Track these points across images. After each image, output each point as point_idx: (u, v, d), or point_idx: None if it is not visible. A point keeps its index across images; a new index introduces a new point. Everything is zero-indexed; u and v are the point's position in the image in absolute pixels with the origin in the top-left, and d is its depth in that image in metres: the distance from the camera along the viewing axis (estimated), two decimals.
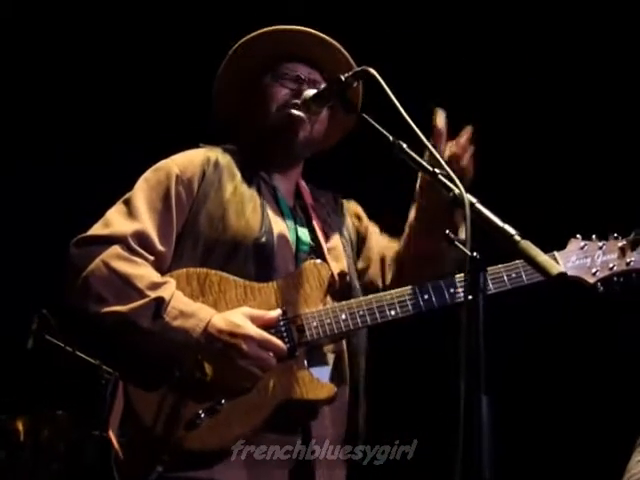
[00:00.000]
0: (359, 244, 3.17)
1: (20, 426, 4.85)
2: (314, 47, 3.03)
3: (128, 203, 2.81)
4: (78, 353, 4.90)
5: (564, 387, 5.15)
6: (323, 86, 2.90)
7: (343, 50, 3.06)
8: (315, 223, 3.01)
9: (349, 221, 3.19)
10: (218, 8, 5.37)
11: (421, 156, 2.41)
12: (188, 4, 5.46)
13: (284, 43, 3.02)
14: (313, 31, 3.04)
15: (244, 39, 3.05)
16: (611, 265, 2.85)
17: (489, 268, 2.77)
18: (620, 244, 2.88)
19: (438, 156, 2.25)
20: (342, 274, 2.93)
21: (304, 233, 2.95)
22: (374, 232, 3.21)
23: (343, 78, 2.62)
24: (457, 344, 2.03)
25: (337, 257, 2.97)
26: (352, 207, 3.25)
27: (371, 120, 2.53)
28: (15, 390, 5.13)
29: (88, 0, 5.46)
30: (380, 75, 2.44)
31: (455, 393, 1.99)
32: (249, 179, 2.93)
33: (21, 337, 4.85)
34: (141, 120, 5.54)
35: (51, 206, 5.50)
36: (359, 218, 3.23)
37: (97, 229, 2.77)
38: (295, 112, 2.92)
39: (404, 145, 2.42)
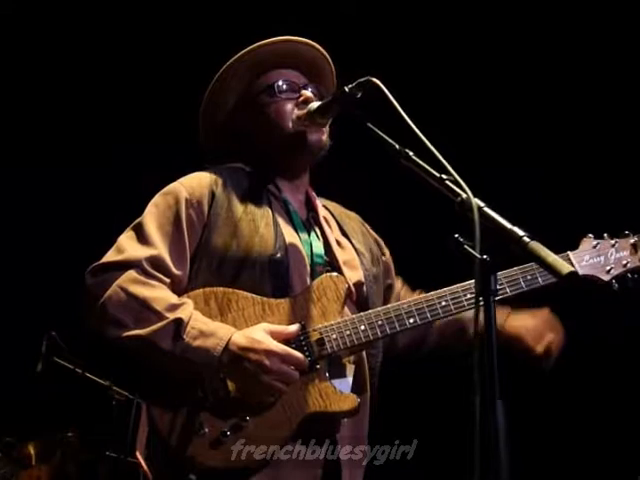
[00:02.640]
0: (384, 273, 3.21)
1: (31, 450, 4.85)
2: (286, 52, 3.05)
3: (139, 229, 2.81)
4: (88, 375, 4.91)
5: (579, 390, 5.13)
6: (327, 99, 2.91)
7: (314, 44, 3.09)
8: (329, 234, 3.02)
9: (371, 243, 3.22)
10: (218, 14, 5.39)
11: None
12: (188, 8, 5.49)
13: (256, 60, 3.03)
14: (284, 37, 3.05)
15: (222, 69, 3.05)
16: (624, 262, 2.89)
17: (505, 271, 2.80)
18: (632, 241, 2.92)
19: (444, 161, 2.26)
20: (358, 284, 2.94)
21: (318, 246, 2.96)
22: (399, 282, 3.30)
23: (347, 89, 2.62)
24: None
25: (353, 268, 2.98)
26: (375, 237, 3.29)
27: (376, 129, 2.54)
28: (25, 414, 5.14)
29: (89, 2, 5.49)
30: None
31: (470, 398, 2.00)
32: (259, 195, 2.95)
33: (30, 360, 4.85)
34: (141, 121, 5.56)
35: (61, 228, 5.48)
36: (383, 252, 3.27)
37: (111, 256, 2.78)
38: (319, 123, 2.94)
39: (410, 153, 2.44)
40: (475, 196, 2.19)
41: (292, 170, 3.06)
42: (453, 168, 2.22)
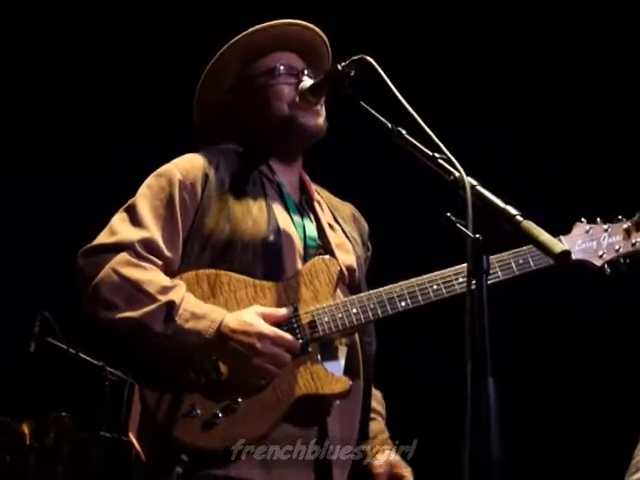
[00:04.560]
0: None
1: (25, 429, 4.85)
2: (284, 34, 3.03)
3: (132, 210, 2.81)
4: (81, 355, 4.94)
5: (570, 369, 5.16)
6: (319, 77, 2.91)
7: (312, 26, 3.08)
8: (322, 217, 3.02)
9: (363, 232, 3.22)
10: (217, 14, 5.39)
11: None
12: (188, 8, 5.50)
13: (254, 44, 3.01)
14: (277, 21, 3.04)
15: (217, 55, 3.04)
16: (617, 247, 2.88)
17: (496, 255, 2.79)
18: (625, 226, 2.91)
19: (437, 140, 2.26)
20: (350, 268, 2.94)
21: (311, 229, 2.96)
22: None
23: (340, 67, 2.61)
24: (462, 327, 2.04)
25: (346, 251, 2.98)
26: (366, 229, 3.26)
27: (369, 108, 2.53)
28: (19, 394, 5.15)
29: (89, 2, 5.49)
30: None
31: (461, 376, 2.00)
32: (253, 178, 2.94)
33: (23, 340, 4.87)
34: (140, 121, 5.57)
35: (52, 208, 5.50)
36: (368, 248, 3.24)
37: (103, 238, 2.77)
38: (317, 107, 2.94)
39: (403, 131, 2.43)
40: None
41: (287, 153, 3.05)
42: (445, 144, 2.23)
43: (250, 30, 3.02)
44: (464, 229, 2.09)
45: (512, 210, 2.12)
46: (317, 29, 3.09)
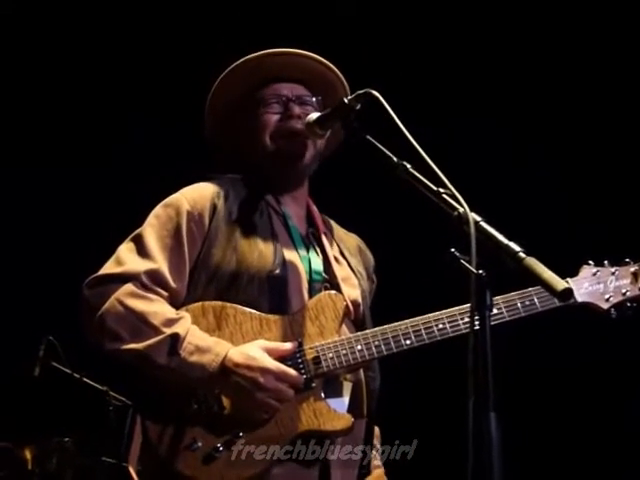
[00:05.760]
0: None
1: (28, 455, 4.81)
2: (287, 64, 3.05)
3: (139, 241, 2.81)
4: (85, 380, 4.92)
5: (572, 403, 5.13)
6: (318, 100, 2.97)
7: (315, 56, 3.09)
8: (328, 250, 3.02)
9: (368, 265, 3.21)
10: (216, 13, 5.43)
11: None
12: (188, 9, 5.52)
13: (259, 70, 3.03)
14: (282, 50, 3.05)
15: (220, 77, 3.06)
16: (624, 291, 2.88)
17: (503, 296, 2.79)
18: (633, 269, 2.91)
19: (442, 175, 2.27)
20: (356, 303, 2.94)
21: (317, 262, 2.95)
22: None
23: (346, 101, 2.61)
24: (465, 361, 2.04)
25: (351, 286, 2.98)
26: (372, 262, 3.26)
27: (375, 142, 2.53)
28: (22, 418, 5.13)
29: (89, 2, 5.51)
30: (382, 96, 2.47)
31: (464, 411, 1.99)
32: (260, 209, 2.95)
33: (28, 365, 4.85)
34: (142, 121, 5.58)
35: (60, 233, 5.48)
36: (373, 279, 3.24)
37: (109, 268, 2.78)
38: (294, 136, 2.94)
39: (408, 166, 2.43)
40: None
41: (286, 182, 3.04)
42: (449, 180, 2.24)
43: (253, 56, 3.04)
44: (468, 265, 2.08)
45: (515, 247, 2.12)
46: (323, 60, 3.09)
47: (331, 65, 3.10)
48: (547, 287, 2.07)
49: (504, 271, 2.14)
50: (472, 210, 2.19)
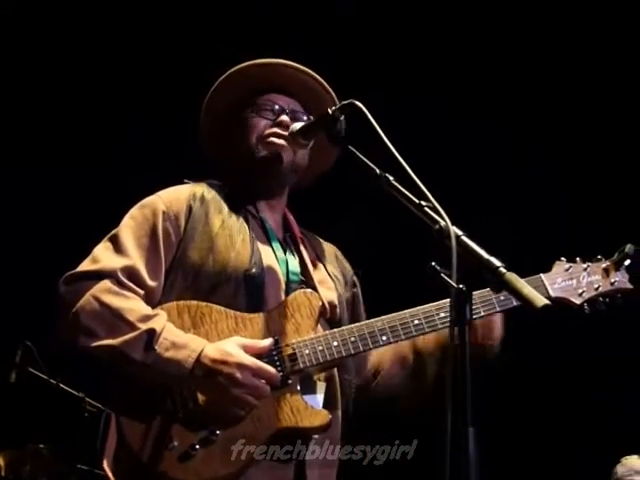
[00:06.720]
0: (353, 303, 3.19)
1: (1, 461, 4.80)
2: (290, 78, 3.08)
3: (115, 240, 2.81)
4: (62, 386, 4.89)
5: (551, 418, 5.19)
6: (310, 119, 2.97)
7: (318, 77, 3.12)
8: (305, 254, 3.03)
9: (346, 272, 3.22)
10: (216, 13, 5.44)
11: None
12: (188, 9, 5.52)
13: (260, 77, 3.07)
14: (287, 62, 3.09)
15: (221, 78, 3.09)
16: (596, 286, 2.91)
17: (478, 292, 2.80)
18: (604, 265, 2.94)
19: (424, 188, 2.27)
20: (332, 304, 2.95)
21: (294, 264, 2.97)
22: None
23: (330, 111, 2.63)
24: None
25: (328, 288, 2.99)
26: (350, 270, 3.27)
27: (358, 153, 2.54)
28: None
29: (89, 2, 5.50)
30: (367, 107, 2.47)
31: (442, 426, 2.01)
32: (236, 212, 2.96)
33: (4, 370, 4.82)
34: (141, 121, 5.59)
35: (33, 238, 5.47)
36: (354, 284, 3.24)
37: (85, 265, 2.77)
38: (276, 140, 2.97)
39: (391, 178, 2.44)
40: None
41: (261, 188, 3.07)
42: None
43: (247, 65, 3.08)
44: (448, 279, 2.10)
45: (496, 262, 2.13)
46: (316, 76, 3.12)
47: (329, 88, 3.13)
48: (527, 302, 2.09)
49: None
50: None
